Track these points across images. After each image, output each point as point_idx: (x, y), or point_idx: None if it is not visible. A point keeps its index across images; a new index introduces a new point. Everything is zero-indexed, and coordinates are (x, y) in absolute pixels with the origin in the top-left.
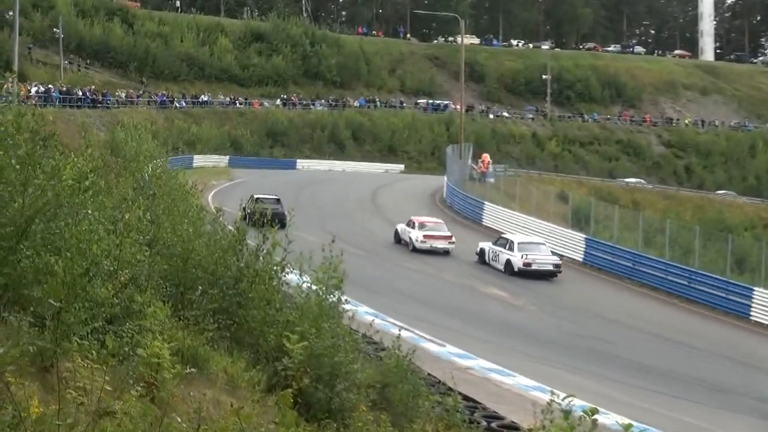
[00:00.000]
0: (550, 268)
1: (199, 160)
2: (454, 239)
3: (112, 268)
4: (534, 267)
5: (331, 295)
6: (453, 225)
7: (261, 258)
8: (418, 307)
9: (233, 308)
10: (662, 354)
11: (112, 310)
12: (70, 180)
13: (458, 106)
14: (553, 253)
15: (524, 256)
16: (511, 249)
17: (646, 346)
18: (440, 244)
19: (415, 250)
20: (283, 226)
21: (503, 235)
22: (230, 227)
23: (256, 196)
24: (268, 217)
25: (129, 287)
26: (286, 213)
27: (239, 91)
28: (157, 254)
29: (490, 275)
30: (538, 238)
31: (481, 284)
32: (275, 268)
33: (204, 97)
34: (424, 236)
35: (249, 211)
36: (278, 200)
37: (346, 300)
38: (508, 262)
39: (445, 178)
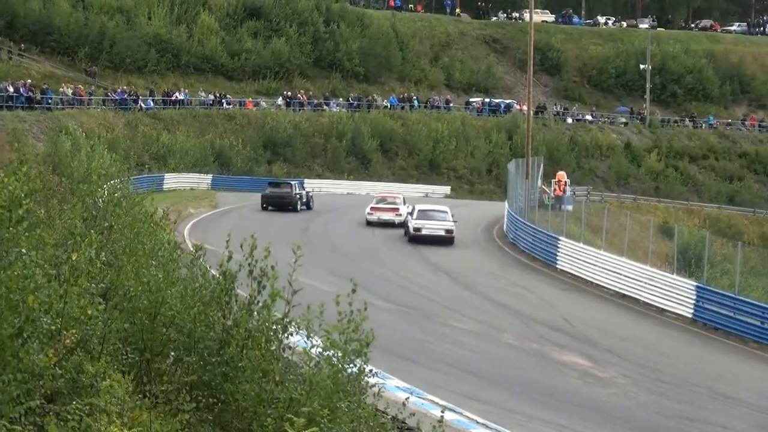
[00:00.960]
0: (441, 233)
1: (171, 180)
2: (401, 212)
3: (53, 327)
4: (424, 232)
5: (351, 365)
6: (516, 269)
7: (255, 314)
8: (468, 381)
9: (217, 381)
10: None
11: (54, 383)
12: None
13: (525, 107)
14: (453, 220)
15: (417, 223)
16: (412, 215)
17: None
18: (386, 216)
19: (368, 223)
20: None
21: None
22: (214, 272)
23: (419, 207)
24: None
25: (77, 353)
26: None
27: (227, 86)
28: (115, 308)
29: (566, 337)
30: (442, 207)
31: (554, 349)
32: (275, 327)
33: (179, 95)
34: (372, 209)
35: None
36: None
37: (371, 371)
38: (407, 228)
39: (506, 204)
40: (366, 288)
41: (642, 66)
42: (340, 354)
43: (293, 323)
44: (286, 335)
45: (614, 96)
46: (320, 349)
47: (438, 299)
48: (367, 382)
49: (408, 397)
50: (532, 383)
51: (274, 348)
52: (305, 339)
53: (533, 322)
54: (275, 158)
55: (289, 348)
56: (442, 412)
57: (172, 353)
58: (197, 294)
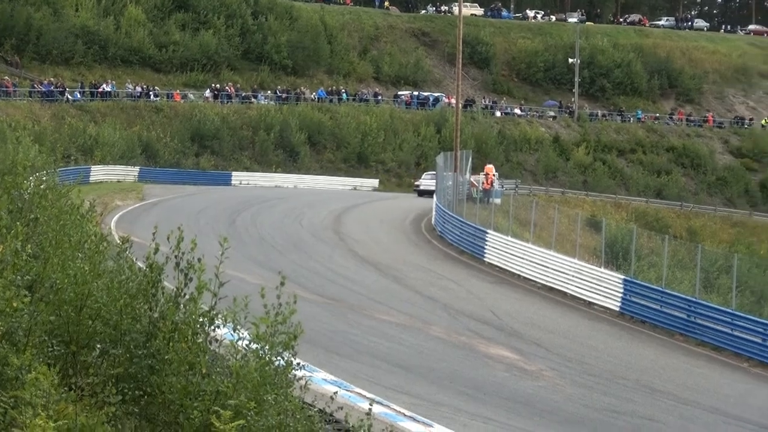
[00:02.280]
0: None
1: (98, 172)
2: None
3: None
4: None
5: (278, 358)
6: (445, 262)
7: (182, 306)
8: (396, 375)
9: (144, 374)
10: None
11: None
12: None
13: (453, 101)
14: None
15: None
16: None
17: (706, 428)
18: None
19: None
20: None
21: None
22: (140, 264)
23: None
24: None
25: (1, 345)
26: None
27: (154, 78)
28: (41, 301)
29: (493, 330)
30: None
31: (481, 342)
32: (201, 319)
33: (106, 87)
34: None
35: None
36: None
37: (298, 364)
38: None
39: (435, 197)
40: (293, 280)
41: (570, 60)
42: (267, 347)
43: (220, 315)
44: (212, 328)
45: (543, 90)
46: (247, 342)
47: (365, 292)
48: (294, 375)
49: (336, 391)
50: (459, 376)
51: (200, 341)
52: (232, 332)
53: (461, 315)
54: (203, 151)
55: (216, 341)
56: (371, 405)
57: (98, 346)
58: (123, 286)
